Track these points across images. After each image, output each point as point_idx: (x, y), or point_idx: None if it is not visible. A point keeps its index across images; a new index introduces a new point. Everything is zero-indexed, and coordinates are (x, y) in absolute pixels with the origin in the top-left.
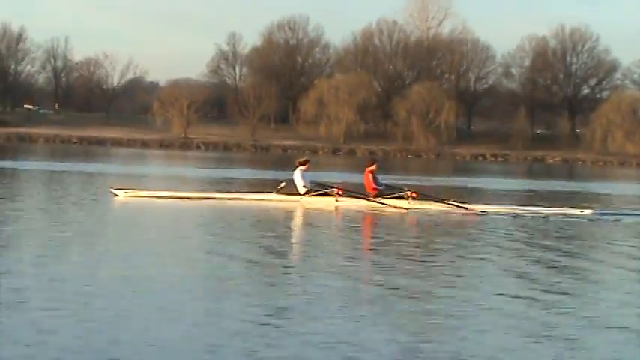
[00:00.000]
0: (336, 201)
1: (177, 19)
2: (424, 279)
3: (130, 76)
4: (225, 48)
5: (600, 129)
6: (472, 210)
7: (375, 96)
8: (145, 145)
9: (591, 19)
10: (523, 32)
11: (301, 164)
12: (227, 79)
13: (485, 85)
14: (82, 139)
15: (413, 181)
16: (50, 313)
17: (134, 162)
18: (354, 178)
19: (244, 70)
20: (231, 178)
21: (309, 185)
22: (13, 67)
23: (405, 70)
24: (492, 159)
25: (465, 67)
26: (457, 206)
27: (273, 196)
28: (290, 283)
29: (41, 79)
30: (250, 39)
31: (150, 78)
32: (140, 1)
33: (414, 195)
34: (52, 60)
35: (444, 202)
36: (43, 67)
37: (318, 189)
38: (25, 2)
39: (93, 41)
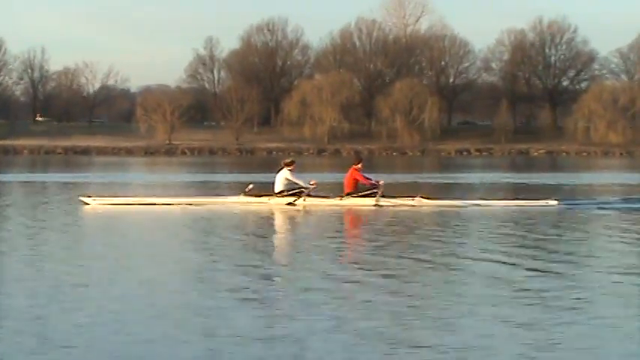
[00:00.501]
0: (304, 200)
1: (153, 27)
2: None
3: (110, 84)
4: (203, 52)
5: (582, 120)
6: (419, 203)
7: (358, 95)
8: (129, 152)
9: (569, 10)
10: (501, 26)
11: (287, 165)
12: (206, 83)
13: (465, 80)
14: (66, 149)
15: (391, 179)
16: None
17: (119, 170)
18: (341, 177)
19: (223, 73)
20: (217, 182)
21: (302, 184)
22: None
23: (385, 68)
24: (477, 153)
25: (444, 62)
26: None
27: (241, 198)
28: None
29: (18, 90)
30: (227, 43)
31: (129, 86)
32: (113, 10)
33: (381, 194)
34: (30, 71)
35: (407, 198)
36: (20, 78)
37: (294, 189)
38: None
39: (68, 51)
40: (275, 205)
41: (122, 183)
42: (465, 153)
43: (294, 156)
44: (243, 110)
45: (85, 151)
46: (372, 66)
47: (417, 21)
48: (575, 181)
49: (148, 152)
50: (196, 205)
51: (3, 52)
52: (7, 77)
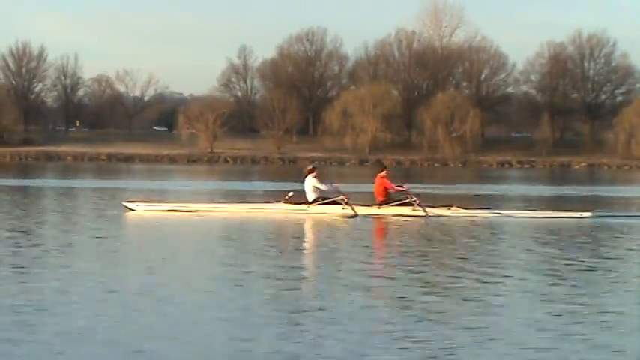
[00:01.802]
0: (343, 209)
1: (186, 37)
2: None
3: (150, 92)
4: (237, 61)
5: (623, 133)
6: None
7: (400, 106)
8: (172, 160)
9: (609, 23)
10: (540, 39)
11: (310, 172)
12: (238, 92)
13: (504, 92)
14: (110, 156)
15: (436, 189)
16: None
17: (166, 177)
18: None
19: (260, 83)
20: (261, 190)
21: (326, 189)
22: (35, 86)
23: (424, 80)
24: (519, 166)
25: (484, 74)
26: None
27: (281, 205)
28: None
29: (50, 97)
30: (261, 52)
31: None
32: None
33: (417, 202)
34: (63, 77)
35: (446, 208)
36: (55, 85)
37: (328, 197)
38: (38, 19)
39: (102, 60)
40: (314, 213)
41: (169, 190)
42: (506, 165)
43: (335, 167)
44: (285, 120)
45: (129, 159)
46: (411, 77)
47: (452, 32)
48: (617, 194)
49: (191, 160)
50: (240, 212)
51: (44, 58)
52: (41, 84)
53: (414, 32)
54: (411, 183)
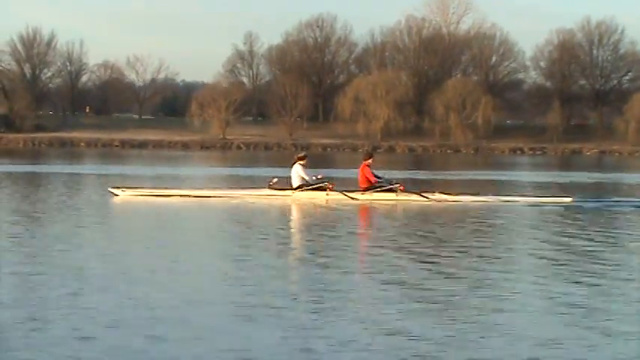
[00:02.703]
0: (327, 195)
1: (189, 24)
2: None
3: (161, 77)
4: (242, 48)
5: (634, 120)
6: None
7: (412, 93)
8: (186, 146)
9: (618, 10)
10: (549, 27)
11: (300, 159)
12: (244, 78)
13: (514, 79)
14: (123, 142)
15: (447, 175)
16: None
17: (181, 163)
18: (393, 175)
19: (268, 69)
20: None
21: (308, 180)
22: (45, 72)
23: (434, 67)
24: (531, 152)
25: (493, 61)
26: (425, 197)
27: (266, 191)
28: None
29: (57, 83)
30: (267, 39)
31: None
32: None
33: (401, 188)
34: (68, 63)
35: (422, 195)
36: (60, 71)
37: (312, 184)
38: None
39: (102, 47)
40: (298, 198)
41: (187, 176)
42: (518, 152)
43: (347, 153)
44: (297, 106)
45: (142, 145)
46: (421, 64)
47: (460, 19)
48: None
49: (204, 147)
50: (220, 197)
51: (54, 44)
52: (50, 70)
53: (424, 19)
54: (424, 169)
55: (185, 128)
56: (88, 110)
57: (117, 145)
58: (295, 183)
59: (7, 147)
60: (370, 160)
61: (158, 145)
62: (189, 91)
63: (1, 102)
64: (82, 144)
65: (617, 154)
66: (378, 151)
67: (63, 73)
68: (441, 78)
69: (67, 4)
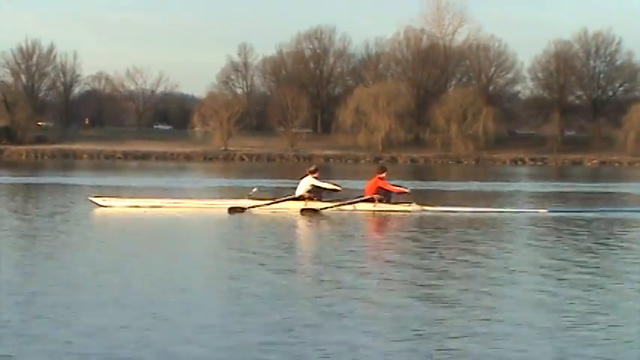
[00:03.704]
0: (305, 205)
1: (182, 36)
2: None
3: (160, 90)
4: (237, 59)
5: (633, 131)
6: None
7: (414, 104)
8: (188, 158)
9: (615, 21)
10: (547, 38)
11: (312, 172)
12: (238, 89)
13: (511, 90)
14: (126, 154)
15: (446, 186)
16: None
17: (184, 174)
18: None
19: (263, 80)
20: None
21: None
22: (43, 84)
23: (434, 77)
24: (531, 163)
25: (492, 72)
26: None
27: (245, 201)
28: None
29: (52, 94)
30: (261, 50)
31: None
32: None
33: (380, 199)
34: (62, 75)
35: (407, 204)
36: (55, 82)
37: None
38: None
39: (96, 58)
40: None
41: (190, 188)
42: (519, 162)
43: (349, 164)
44: (298, 117)
45: (145, 156)
46: (419, 75)
47: (455, 31)
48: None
49: (207, 158)
50: (199, 207)
51: (53, 56)
52: (47, 82)
53: (422, 30)
54: (425, 180)
55: (184, 140)
56: (87, 122)
57: (120, 157)
58: (298, 192)
59: (11, 159)
60: (384, 174)
61: (161, 156)
62: (182, 102)
63: (1, 114)
64: (85, 156)
65: (616, 164)
66: (380, 162)
67: (57, 84)
68: (438, 89)
69: (56, 16)
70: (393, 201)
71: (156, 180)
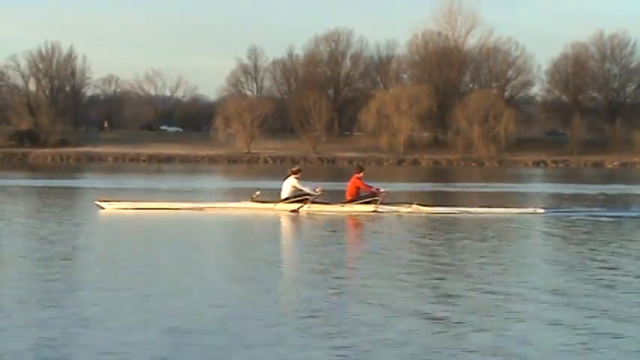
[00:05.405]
0: (308, 207)
1: (192, 39)
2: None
3: (179, 93)
4: (247, 62)
5: None
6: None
7: (434, 106)
8: (212, 160)
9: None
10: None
11: (294, 173)
12: (247, 92)
13: (529, 92)
14: (150, 157)
15: (466, 188)
16: None
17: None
18: (417, 187)
19: (267, 83)
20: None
21: (307, 191)
22: (64, 86)
23: (452, 79)
24: (554, 165)
25: (510, 74)
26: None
27: (249, 204)
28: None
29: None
30: (271, 53)
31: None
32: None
33: (380, 200)
34: (71, 77)
35: (407, 205)
36: (66, 85)
37: (300, 196)
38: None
39: (106, 62)
40: (280, 210)
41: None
42: (541, 164)
43: (372, 166)
44: (321, 120)
45: (169, 159)
46: (439, 77)
47: (468, 33)
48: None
49: (231, 161)
50: (210, 209)
51: (73, 59)
52: (64, 84)
53: (440, 33)
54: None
55: (202, 142)
56: (106, 125)
57: (144, 160)
58: (284, 195)
59: (36, 162)
60: (361, 174)
61: (184, 159)
62: (193, 104)
63: (25, 118)
64: (110, 159)
65: (638, 165)
66: (403, 164)
67: (71, 87)
68: (457, 91)
69: (67, 20)
70: (392, 202)
71: (221, 183)
